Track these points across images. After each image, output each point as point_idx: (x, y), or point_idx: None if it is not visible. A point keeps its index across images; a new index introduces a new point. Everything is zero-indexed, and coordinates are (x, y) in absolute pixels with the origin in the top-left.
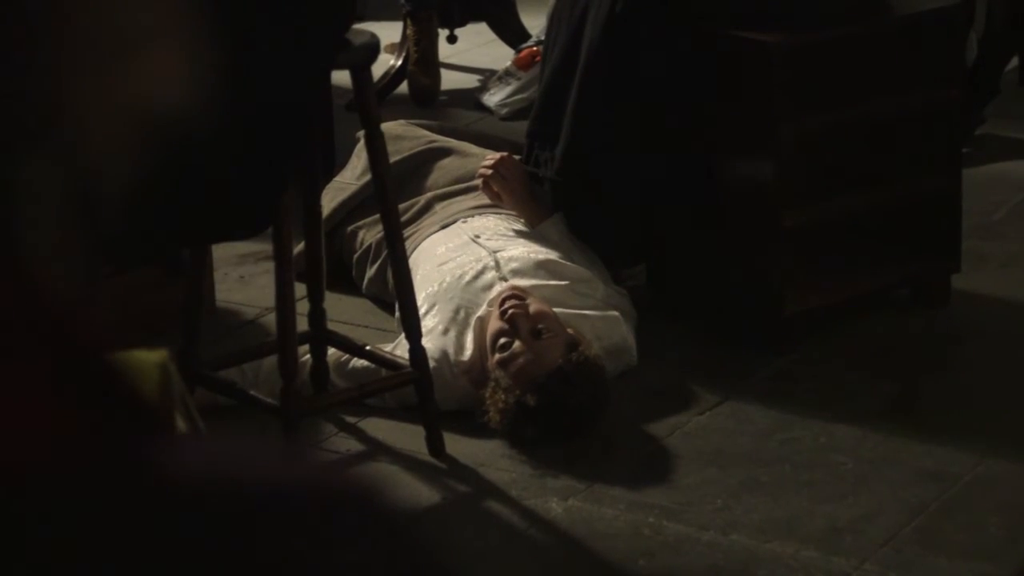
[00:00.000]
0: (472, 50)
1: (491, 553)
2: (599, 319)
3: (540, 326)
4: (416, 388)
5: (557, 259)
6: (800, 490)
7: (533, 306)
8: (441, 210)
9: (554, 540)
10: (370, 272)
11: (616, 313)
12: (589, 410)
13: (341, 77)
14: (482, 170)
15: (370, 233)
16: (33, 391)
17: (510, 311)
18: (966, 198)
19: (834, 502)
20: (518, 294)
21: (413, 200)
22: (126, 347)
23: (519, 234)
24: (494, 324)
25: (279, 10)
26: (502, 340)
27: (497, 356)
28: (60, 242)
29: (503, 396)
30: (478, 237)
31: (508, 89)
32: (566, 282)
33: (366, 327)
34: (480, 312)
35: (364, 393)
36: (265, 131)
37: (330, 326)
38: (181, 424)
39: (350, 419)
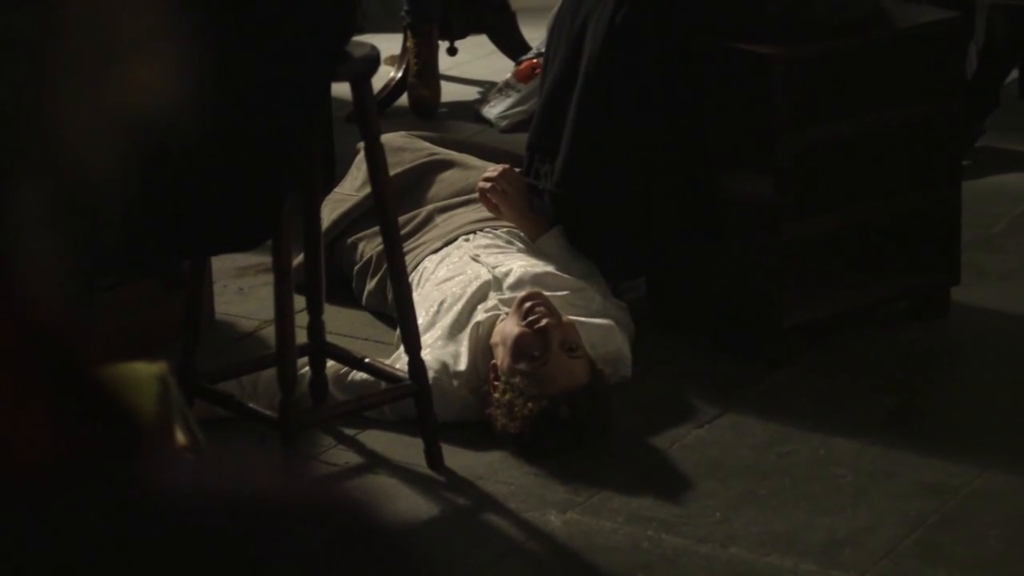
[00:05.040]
0: (472, 62)
1: (489, 566)
2: (595, 328)
3: (570, 342)
4: (415, 401)
5: (554, 271)
6: (799, 503)
7: (563, 318)
8: (442, 223)
9: (553, 553)
10: (370, 285)
11: (612, 322)
12: (606, 428)
13: (341, 89)
14: (482, 183)
15: (370, 245)
16: (27, 406)
17: (544, 322)
18: (966, 210)
19: (833, 515)
20: (545, 301)
21: (414, 212)
22: (124, 359)
23: (518, 249)
24: (516, 328)
25: (278, 21)
26: (533, 350)
27: (524, 364)
28: (54, 255)
29: (530, 404)
30: (477, 256)
31: (508, 101)
32: (563, 293)
33: (365, 339)
34: (479, 318)
35: (363, 405)
36: (264, 143)
37: (329, 338)
38: (180, 436)
39: (349, 431)
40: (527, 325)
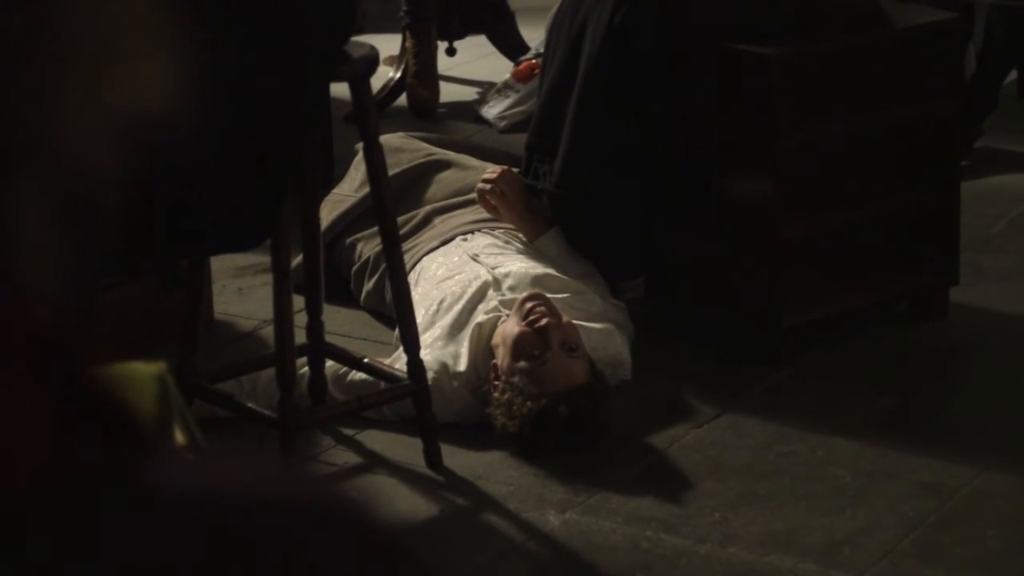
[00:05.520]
0: (471, 63)
1: (488, 566)
2: (595, 331)
3: (570, 341)
4: (414, 400)
5: (554, 273)
6: (798, 503)
7: (563, 318)
8: (440, 224)
9: (551, 553)
10: (368, 285)
11: (612, 326)
12: (604, 428)
13: (340, 89)
14: (480, 184)
15: (368, 246)
16: (26, 405)
17: (544, 321)
18: (964, 211)
19: (832, 515)
20: (546, 301)
21: (412, 213)
22: (123, 359)
23: (517, 250)
24: (517, 328)
25: (277, 21)
26: (533, 349)
27: (524, 363)
28: (55, 254)
29: (529, 404)
30: (477, 256)
31: (507, 102)
32: (563, 295)
33: (364, 339)
34: (480, 319)
35: (362, 405)
36: (263, 143)
37: (328, 338)
38: (179, 436)
39: (348, 431)
40: (527, 325)
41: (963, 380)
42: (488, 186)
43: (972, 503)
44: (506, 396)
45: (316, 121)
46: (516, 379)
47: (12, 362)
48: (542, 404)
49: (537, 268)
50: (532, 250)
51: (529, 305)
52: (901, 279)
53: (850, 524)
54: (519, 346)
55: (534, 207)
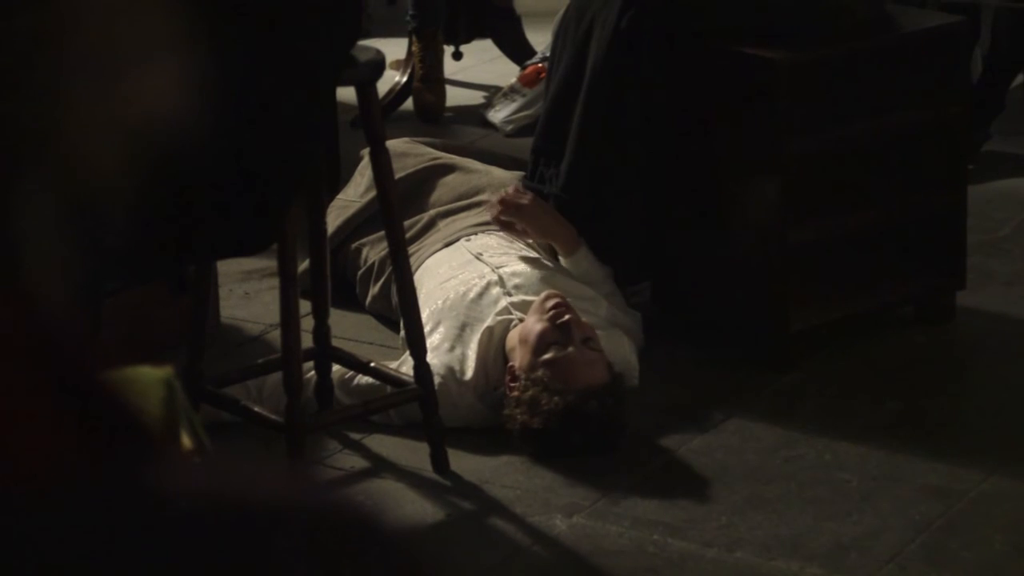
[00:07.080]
0: (477, 67)
1: (495, 569)
2: (602, 336)
3: (590, 339)
4: (421, 405)
5: (560, 274)
6: (805, 507)
7: (583, 317)
8: (445, 227)
9: (558, 557)
10: (374, 290)
11: (619, 331)
12: (625, 430)
13: (346, 94)
14: (495, 214)
15: (374, 250)
16: (32, 410)
17: (566, 316)
18: (971, 215)
19: (839, 519)
20: (566, 301)
21: (417, 217)
22: (131, 363)
23: (520, 250)
24: (538, 325)
25: (283, 26)
26: (553, 343)
27: (548, 355)
28: (60, 260)
29: (556, 399)
30: (481, 255)
31: (513, 106)
32: (569, 298)
33: (370, 344)
34: (489, 322)
35: (369, 410)
36: (269, 148)
37: (335, 343)
38: (186, 440)
39: (354, 436)
40: (549, 320)
41: (970, 383)
42: (499, 208)
43: (979, 507)
44: (529, 393)
45: (322, 126)
46: (540, 373)
47: (19, 366)
48: (569, 400)
49: (543, 268)
50: (536, 251)
51: (550, 303)
52: (908, 283)
53: (857, 528)
54: (542, 340)
55: (560, 218)
